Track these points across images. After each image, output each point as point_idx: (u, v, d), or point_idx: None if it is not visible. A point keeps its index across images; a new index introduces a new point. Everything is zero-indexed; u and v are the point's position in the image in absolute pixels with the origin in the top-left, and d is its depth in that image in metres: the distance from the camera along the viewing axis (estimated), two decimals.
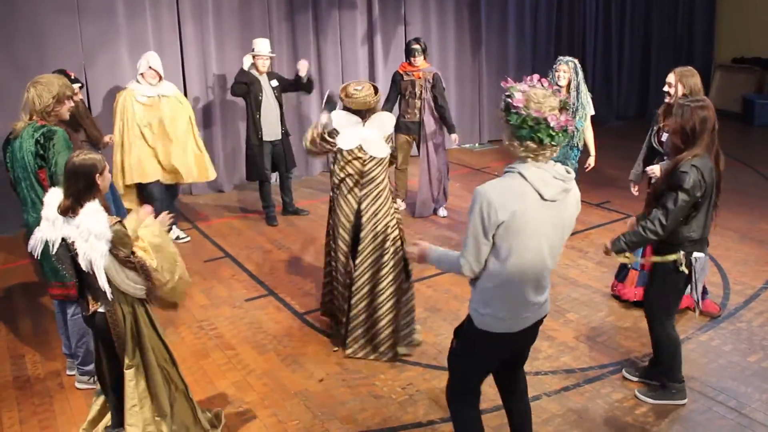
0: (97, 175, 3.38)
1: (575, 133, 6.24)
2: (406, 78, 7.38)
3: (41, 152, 4.17)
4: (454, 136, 7.51)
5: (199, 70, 8.60)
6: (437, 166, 7.56)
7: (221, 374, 4.70)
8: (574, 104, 6.17)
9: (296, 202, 7.97)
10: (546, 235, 2.97)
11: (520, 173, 2.90)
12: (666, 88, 5.08)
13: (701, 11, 13.13)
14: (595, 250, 6.60)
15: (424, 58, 7.37)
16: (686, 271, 3.95)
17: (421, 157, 7.55)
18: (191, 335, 5.21)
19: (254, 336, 5.20)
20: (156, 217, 3.61)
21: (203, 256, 6.78)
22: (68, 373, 4.72)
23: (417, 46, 7.29)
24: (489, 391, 4.11)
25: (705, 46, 13.28)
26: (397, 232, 4.73)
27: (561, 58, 6.33)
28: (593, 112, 6.42)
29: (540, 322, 3.28)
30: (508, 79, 3.03)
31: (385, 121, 4.75)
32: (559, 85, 6.23)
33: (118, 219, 3.40)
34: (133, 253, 3.37)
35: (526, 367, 4.57)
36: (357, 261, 4.71)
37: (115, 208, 4.86)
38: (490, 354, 3.28)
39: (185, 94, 8.52)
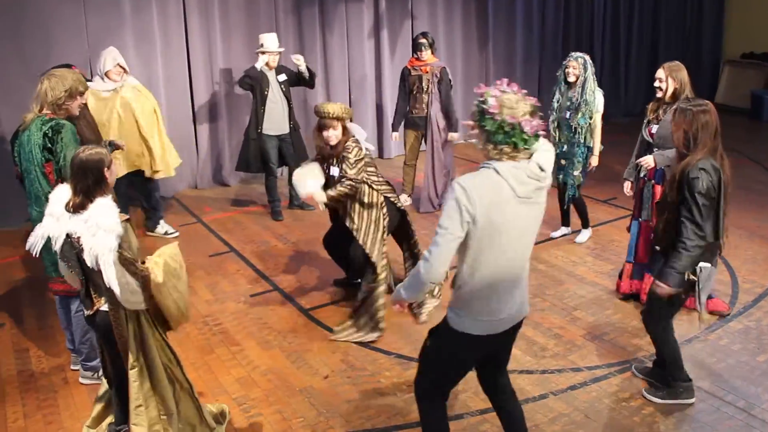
0: (105, 169, 3.35)
1: (579, 130, 6.16)
2: (413, 73, 7.34)
3: (49, 145, 4.14)
4: (452, 134, 7.43)
5: (205, 64, 8.56)
6: (443, 162, 7.52)
7: (225, 370, 4.68)
8: (577, 100, 6.10)
9: None
10: (520, 231, 2.98)
11: (495, 169, 2.92)
12: (657, 84, 5.11)
13: (710, 6, 13.04)
14: (602, 246, 6.55)
15: (432, 53, 7.32)
16: (692, 279, 3.90)
17: (428, 152, 7.51)
18: (196, 330, 5.19)
19: (259, 332, 5.17)
20: (124, 212, 3.53)
21: (208, 250, 6.76)
22: (72, 368, 4.70)
23: (424, 41, 7.24)
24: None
25: (714, 42, 13.19)
26: None
27: (572, 54, 6.24)
28: (602, 110, 6.30)
29: (518, 325, 3.22)
30: (481, 85, 3.06)
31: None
32: (568, 82, 6.17)
33: (127, 217, 3.38)
34: (143, 262, 3.33)
35: (532, 365, 4.58)
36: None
37: None
38: (465, 357, 3.23)
39: (190, 88, 8.52)
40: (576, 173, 6.30)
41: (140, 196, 7.00)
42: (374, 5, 9.62)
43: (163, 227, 7.12)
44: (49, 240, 3.36)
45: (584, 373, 4.55)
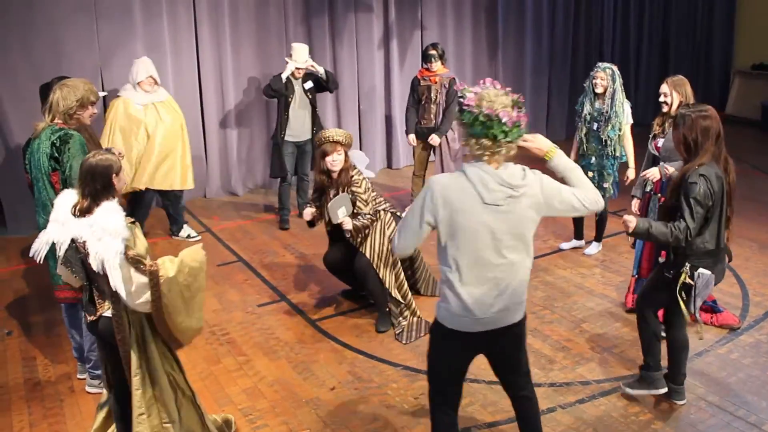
0: (114, 175, 3.36)
1: (609, 142, 6.11)
2: (422, 83, 7.33)
3: (55, 155, 4.18)
4: (433, 136, 7.33)
5: (215, 72, 8.58)
6: (453, 171, 7.49)
7: (232, 381, 4.66)
8: (607, 112, 6.04)
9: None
10: (492, 237, 3.00)
11: (463, 172, 3.02)
12: (662, 99, 5.08)
13: (720, 17, 12.99)
14: (611, 259, 6.52)
15: (442, 64, 7.32)
16: (690, 282, 3.88)
17: (437, 162, 7.50)
18: (202, 340, 5.18)
19: (266, 342, 5.16)
20: (139, 222, 3.52)
21: (216, 259, 6.76)
22: (79, 376, 4.70)
23: (434, 52, 7.23)
24: (502, 402, 4.06)
25: (724, 53, 13.13)
26: None
27: (600, 64, 6.19)
28: (632, 121, 6.25)
29: (510, 332, 3.20)
30: (461, 82, 3.16)
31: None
32: (596, 93, 6.12)
33: (132, 220, 3.38)
34: (153, 263, 3.29)
35: (540, 378, 4.54)
36: None
37: None
38: (446, 349, 3.26)
39: (200, 97, 8.54)
40: (606, 185, 6.26)
41: (166, 203, 7.20)
42: (384, 16, 9.63)
43: (185, 231, 7.30)
44: (54, 247, 3.36)
45: (592, 386, 4.51)
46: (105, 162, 3.34)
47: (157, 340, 3.50)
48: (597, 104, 6.12)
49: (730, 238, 4.09)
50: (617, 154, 6.18)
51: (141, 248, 3.33)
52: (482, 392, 4.42)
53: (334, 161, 5.18)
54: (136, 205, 6.85)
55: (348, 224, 5.15)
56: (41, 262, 3.51)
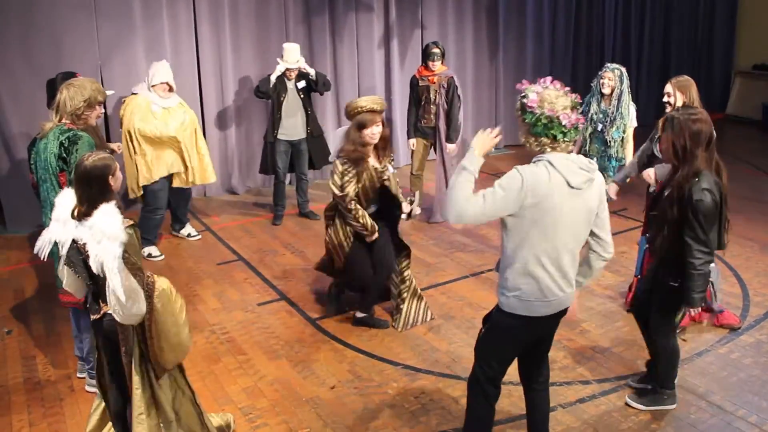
0: (110, 176, 3.34)
1: (612, 143, 6.09)
2: (422, 83, 7.32)
3: (63, 155, 4.15)
4: (449, 146, 7.35)
5: (215, 72, 8.57)
6: (453, 172, 7.47)
7: (232, 379, 4.66)
8: (612, 113, 6.04)
9: (310, 206, 7.92)
10: (571, 221, 3.14)
11: (548, 161, 3.09)
12: (666, 99, 5.07)
13: (722, 17, 12.99)
14: (612, 259, 6.47)
15: (442, 63, 7.30)
16: (711, 281, 3.91)
17: (437, 162, 7.49)
18: (203, 339, 5.17)
19: (266, 341, 5.15)
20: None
21: (216, 258, 6.75)
22: (78, 375, 4.69)
23: (436, 51, 7.20)
24: (503, 401, 4.05)
25: (725, 53, 13.13)
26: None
27: (608, 65, 6.18)
28: (635, 125, 6.22)
29: (563, 313, 3.36)
30: (524, 81, 3.25)
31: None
32: (602, 93, 6.10)
33: (132, 222, 3.35)
34: (151, 275, 3.30)
35: None
36: None
37: None
38: (514, 338, 3.36)
39: (200, 96, 8.53)
40: (605, 187, 6.23)
41: (177, 200, 7.08)
42: (384, 15, 9.62)
43: (186, 229, 7.28)
44: (56, 246, 3.35)
45: (593, 386, 4.50)
46: (100, 163, 3.30)
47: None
48: (603, 105, 6.11)
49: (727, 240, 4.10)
50: (619, 155, 6.17)
51: (136, 253, 3.32)
52: None
53: (374, 134, 4.79)
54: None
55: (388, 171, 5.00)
56: (45, 259, 3.51)
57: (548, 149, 3.12)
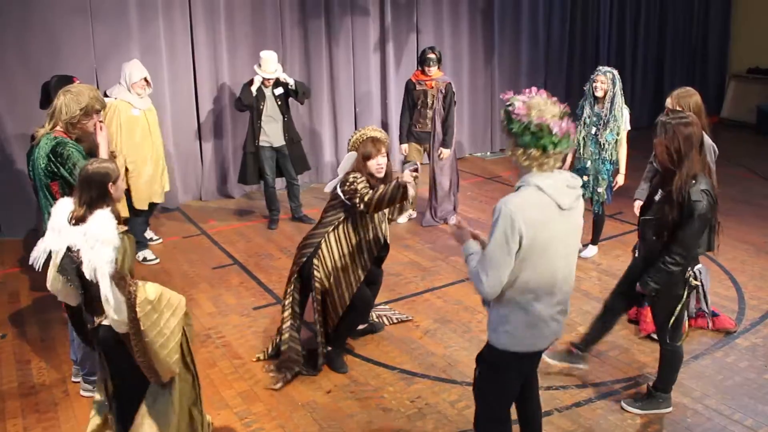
0: (110, 184, 3.34)
1: (606, 146, 6.10)
2: (418, 87, 7.32)
3: (52, 168, 4.10)
4: (444, 150, 7.33)
5: (211, 76, 8.56)
6: (448, 177, 7.50)
7: (228, 384, 4.64)
8: (606, 116, 6.05)
9: (305, 210, 7.91)
10: (564, 244, 2.96)
11: (536, 186, 2.87)
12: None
13: (716, 21, 13.04)
14: (607, 262, 6.51)
15: (438, 68, 7.31)
16: (695, 284, 3.91)
17: (430, 167, 7.49)
18: (198, 343, 5.15)
19: (262, 345, 5.14)
20: (131, 233, 3.42)
21: (211, 263, 6.74)
22: (73, 380, 4.67)
23: (432, 56, 7.20)
24: None
25: (719, 56, 13.18)
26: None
27: (600, 68, 6.19)
28: (629, 128, 6.24)
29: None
30: (507, 91, 3.04)
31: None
32: (595, 96, 6.12)
33: (126, 229, 3.35)
34: (133, 282, 3.18)
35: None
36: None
37: None
38: (512, 375, 3.17)
39: (196, 100, 8.53)
40: (600, 190, 6.26)
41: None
42: (380, 19, 9.63)
43: (147, 234, 7.10)
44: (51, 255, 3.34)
45: (589, 389, 4.50)
46: (102, 170, 3.32)
47: None
48: (596, 108, 6.13)
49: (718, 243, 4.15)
50: (613, 158, 6.18)
51: (129, 261, 3.30)
52: None
53: (380, 165, 4.53)
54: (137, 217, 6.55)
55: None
56: (40, 270, 3.45)
57: (535, 167, 2.89)
